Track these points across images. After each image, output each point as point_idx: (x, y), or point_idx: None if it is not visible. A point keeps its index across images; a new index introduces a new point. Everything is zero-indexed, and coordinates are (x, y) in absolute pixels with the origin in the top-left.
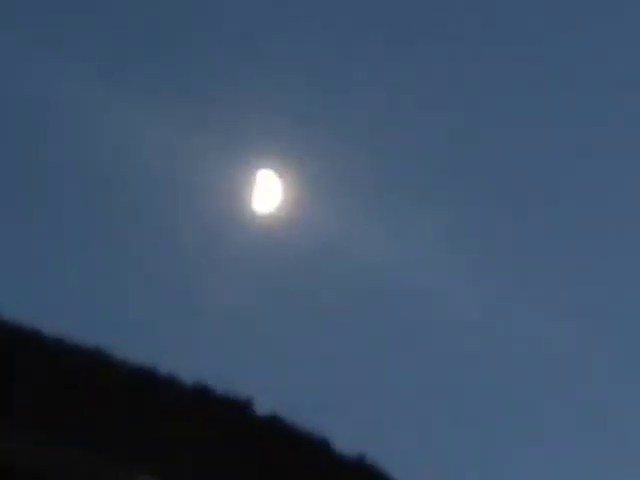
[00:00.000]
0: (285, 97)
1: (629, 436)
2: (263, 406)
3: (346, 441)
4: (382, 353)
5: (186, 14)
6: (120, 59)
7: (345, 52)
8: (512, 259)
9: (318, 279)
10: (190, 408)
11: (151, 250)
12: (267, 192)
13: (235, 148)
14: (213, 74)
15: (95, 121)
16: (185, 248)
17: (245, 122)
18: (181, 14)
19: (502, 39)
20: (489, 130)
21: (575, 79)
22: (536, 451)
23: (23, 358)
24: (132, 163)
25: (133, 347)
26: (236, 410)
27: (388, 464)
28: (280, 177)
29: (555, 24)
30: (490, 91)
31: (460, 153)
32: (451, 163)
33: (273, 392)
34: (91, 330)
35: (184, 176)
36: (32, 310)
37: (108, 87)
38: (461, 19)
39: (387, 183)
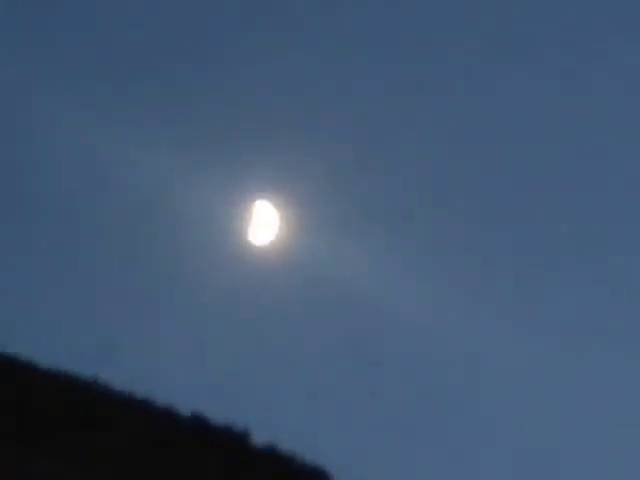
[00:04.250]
0: (283, 130)
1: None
2: (260, 437)
3: (345, 471)
4: (382, 380)
5: (182, 38)
6: (116, 88)
7: (343, 84)
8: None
9: (314, 310)
10: (188, 439)
11: (147, 281)
12: (264, 224)
13: (233, 180)
14: (211, 106)
15: (90, 151)
16: (180, 279)
17: (244, 154)
18: (176, 37)
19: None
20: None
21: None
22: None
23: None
24: (128, 194)
25: (131, 379)
26: (233, 441)
27: None
28: (277, 209)
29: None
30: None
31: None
32: (445, 193)
33: (270, 423)
34: (88, 361)
35: (180, 207)
36: (33, 345)
37: (104, 118)
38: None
39: (385, 216)
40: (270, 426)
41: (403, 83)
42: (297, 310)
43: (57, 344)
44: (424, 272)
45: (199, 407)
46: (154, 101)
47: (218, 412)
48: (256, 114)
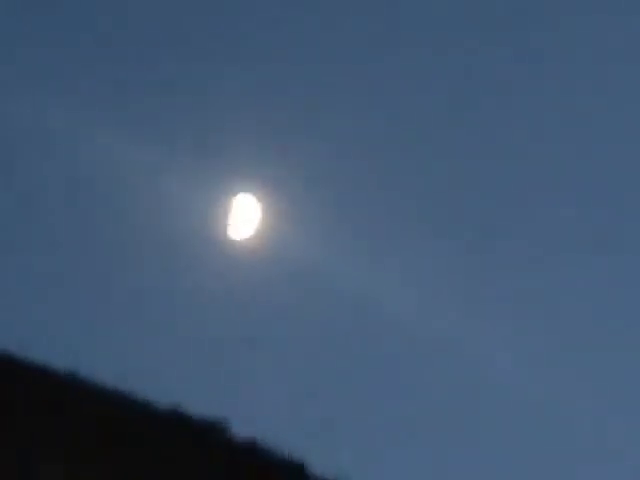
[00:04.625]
0: (264, 120)
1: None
2: (240, 430)
3: (323, 465)
4: (364, 377)
5: (164, 36)
6: (98, 81)
7: (327, 78)
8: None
9: (296, 304)
10: (166, 432)
11: (125, 276)
12: (245, 217)
13: (213, 172)
14: (192, 99)
15: (72, 144)
16: (159, 273)
17: (225, 147)
18: (162, 32)
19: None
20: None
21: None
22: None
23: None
24: (106, 187)
25: (108, 372)
26: (212, 434)
27: None
28: (259, 202)
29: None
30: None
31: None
32: (437, 187)
33: (250, 416)
34: (63, 354)
35: (160, 200)
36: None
37: (87, 113)
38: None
39: (367, 209)
40: (251, 421)
41: (394, 80)
42: (279, 304)
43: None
44: (411, 266)
45: (178, 400)
46: (134, 94)
47: (198, 406)
48: (238, 107)
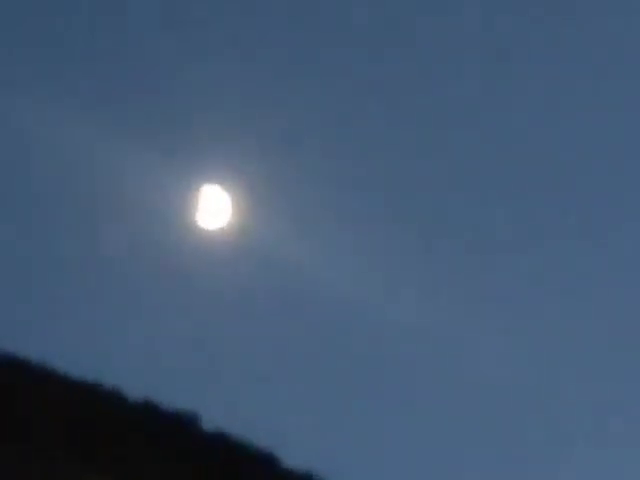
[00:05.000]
0: (233, 109)
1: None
2: (210, 421)
3: (294, 456)
4: (330, 365)
5: (135, 31)
6: (66, 70)
7: (300, 64)
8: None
9: (266, 296)
10: (138, 422)
11: (94, 266)
12: (214, 209)
13: (181, 162)
14: (159, 87)
15: (41, 138)
16: (128, 264)
17: (191, 135)
18: (130, 30)
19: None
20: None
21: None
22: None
23: None
24: (74, 178)
25: (80, 363)
26: (183, 425)
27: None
28: (228, 193)
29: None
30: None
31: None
32: (414, 177)
33: (220, 408)
34: (38, 345)
35: (127, 190)
36: None
37: (53, 104)
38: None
39: (344, 201)
40: (221, 412)
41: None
42: (250, 296)
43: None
44: (384, 258)
45: (149, 392)
46: (103, 83)
47: (168, 397)
48: (207, 96)
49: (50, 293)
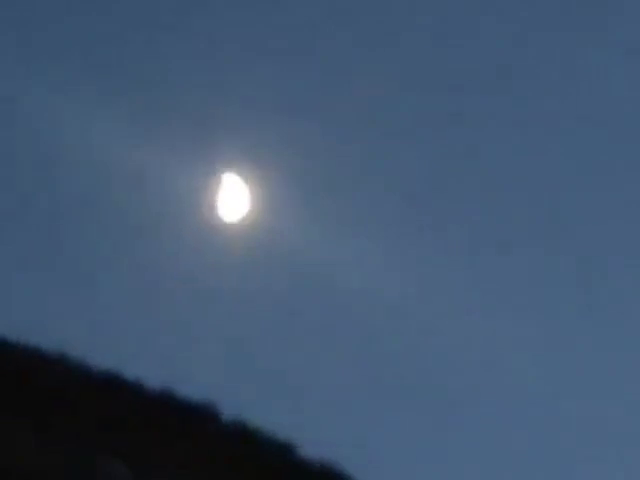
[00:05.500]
0: (253, 101)
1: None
2: (228, 410)
3: (312, 447)
4: (344, 356)
5: (156, 25)
6: (88, 70)
7: (320, 58)
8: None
9: (284, 285)
10: (157, 413)
11: (116, 259)
12: (234, 199)
13: (201, 153)
14: (179, 80)
15: (63, 133)
16: (147, 256)
17: (211, 127)
18: (150, 24)
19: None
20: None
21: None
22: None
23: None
24: (93, 169)
25: (100, 353)
26: (200, 414)
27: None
28: (247, 184)
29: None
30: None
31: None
32: (430, 173)
33: (238, 396)
34: (57, 336)
35: (148, 182)
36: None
37: (79, 99)
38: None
39: (361, 193)
40: (240, 403)
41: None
42: (269, 288)
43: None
44: (403, 251)
45: (168, 382)
46: (121, 73)
47: (187, 388)
48: (226, 85)
49: (72, 283)
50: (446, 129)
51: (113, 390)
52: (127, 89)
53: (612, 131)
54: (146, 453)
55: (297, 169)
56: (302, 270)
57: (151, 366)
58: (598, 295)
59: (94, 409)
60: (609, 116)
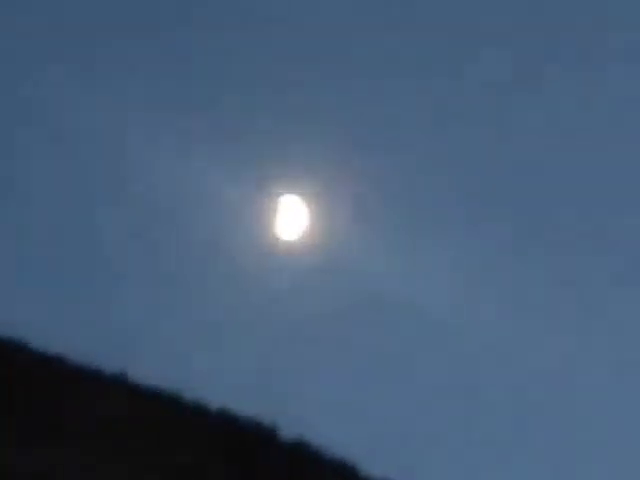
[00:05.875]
0: (310, 124)
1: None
2: (288, 432)
3: (374, 464)
4: (405, 374)
5: (210, 45)
6: (151, 91)
7: (373, 82)
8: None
9: (342, 306)
10: (216, 434)
11: (174, 276)
12: (291, 218)
13: (259, 174)
14: (239, 103)
15: (119, 152)
16: (207, 274)
17: (269, 148)
18: (204, 44)
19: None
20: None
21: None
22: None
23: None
24: (155, 189)
25: (161, 374)
26: (262, 435)
27: None
28: (305, 203)
29: None
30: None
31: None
32: (483, 188)
33: (298, 418)
34: (117, 357)
35: (203, 201)
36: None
37: (134, 118)
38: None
39: (418, 212)
40: (300, 421)
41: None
42: (327, 306)
43: (73, 333)
44: (459, 269)
45: (227, 402)
46: (180, 92)
47: (246, 408)
48: (285, 106)
49: (131, 302)
50: (497, 153)
51: (176, 411)
52: (193, 111)
53: None
54: (205, 476)
55: (353, 189)
56: (359, 288)
57: (210, 387)
58: None
59: (157, 431)
60: None
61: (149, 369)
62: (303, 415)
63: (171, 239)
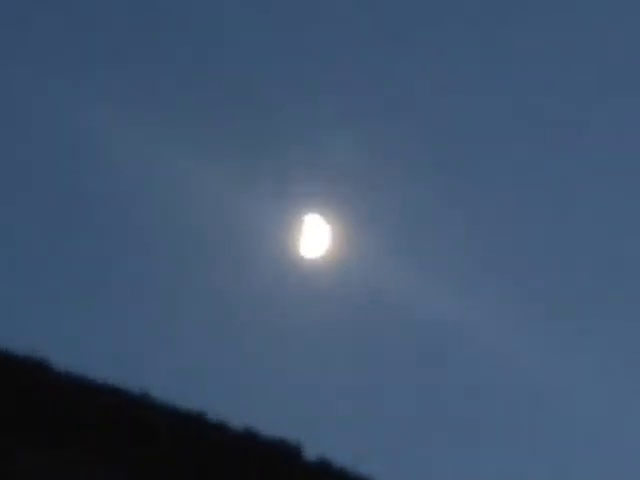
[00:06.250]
0: (332, 141)
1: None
2: (312, 451)
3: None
4: (429, 393)
5: (234, 69)
6: (168, 111)
7: (393, 99)
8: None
9: (365, 325)
10: (239, 452)
11: (197, 295)
12: (315, 238)
13: (282, 193)
14: (260, 121)
15: (144, 170)
16: (230, 293)
17: (292, 166)
18: (228, 68)
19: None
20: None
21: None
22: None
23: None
24: (177, 209)
25: (183, 392)
26: (285, 455)
27: None
28: (328, 222)
29: None
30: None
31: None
32: (509, 207)
33: (322, 436)
34: (139, 374)
35: (229, 221)
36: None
37: (156, 137)
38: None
39: (439, 231)
40: (323, 441)
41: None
42: (350, 324)
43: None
44: (480, 289)
45: (250, 421)
46: (202, 110)
47: (269, 426)
48: (305, 125)
49: (155, 320)
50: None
51: (198, 430)
52: (216, 129)
53: None
54: None
55: (377, 208)
56: (383, 306)
57: (232, 405)
58: None
59: (177, 451)
60: None
61: (174, 388)
62: (327, 433)
63: (195, 258)
